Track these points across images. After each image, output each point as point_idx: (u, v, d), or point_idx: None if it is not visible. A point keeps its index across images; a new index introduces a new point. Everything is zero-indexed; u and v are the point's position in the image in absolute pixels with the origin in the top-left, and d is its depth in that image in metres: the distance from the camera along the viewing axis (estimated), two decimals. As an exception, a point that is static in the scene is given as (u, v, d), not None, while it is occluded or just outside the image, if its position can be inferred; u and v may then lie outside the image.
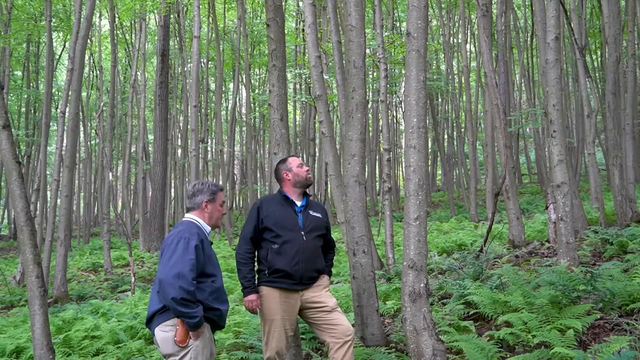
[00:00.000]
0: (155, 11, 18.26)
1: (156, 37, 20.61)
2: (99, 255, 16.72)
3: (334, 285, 7.75)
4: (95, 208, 30.50)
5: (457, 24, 26.49)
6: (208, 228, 3.23)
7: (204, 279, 3.01)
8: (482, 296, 4.90)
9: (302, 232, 3.58)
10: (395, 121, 30.28)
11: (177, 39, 23.68)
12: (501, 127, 8.75)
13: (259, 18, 26.07)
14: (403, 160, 5.25)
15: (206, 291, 3.01)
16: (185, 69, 22.45)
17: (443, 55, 26.36)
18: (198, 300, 2.92)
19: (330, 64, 14.17)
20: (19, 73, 26.51)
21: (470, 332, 4.61)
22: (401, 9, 23.81)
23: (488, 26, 9.34)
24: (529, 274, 6.09)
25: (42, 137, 12.82)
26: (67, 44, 24.66)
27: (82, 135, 27.11)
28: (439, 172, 34.89)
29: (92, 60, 25.97)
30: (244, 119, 25.02)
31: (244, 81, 24.72)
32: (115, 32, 19.74)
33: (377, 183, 27.40)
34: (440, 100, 28.66)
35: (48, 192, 17.93)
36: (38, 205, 15.73)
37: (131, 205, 25.11)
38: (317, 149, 21.18)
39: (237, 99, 25.36)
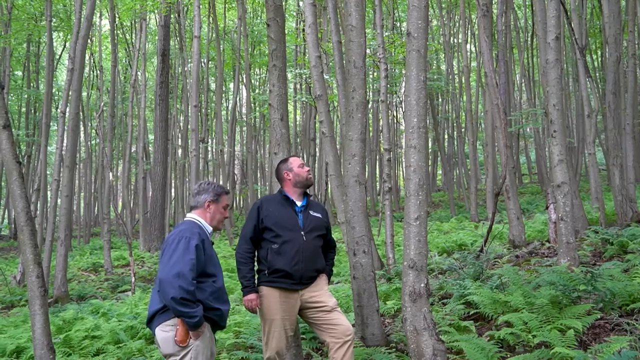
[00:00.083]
0: (156, 11, 18.28)
1: (156, 37, 20.62)
2: (99, 255, 16.73)
3: (334, 285, 7.75)
4: (96, 208, 30.52)
5: (457, 24, 26.48)
6: (209, 228, 3.22)
7: (204, 279, 3.01)
8: (482, 296, 4.90)
9: (302, 232, 3.58)
10: (395, 121, 30.26)
11: (178, 38, 23.68)
12: (501, 127, 8.75)
13: (259, 18, 26.07)
14: (403, 160, 5.26)
15: (207, 291, 3.00)
16: (186, 68, 22.44)
17: (443, 55, 26.35)
18: (198, 300, 2.91)
19: (330, 64, 14.17)
20: (20, 73, 26.52)
21: (470, 332, 4.61)
22: (401, 9, 23.81)
23: (488, 26, 9.34)
24: (529, 274, 6.09)
25: (42, 137, 12.82)
26: (67, 44, 24.67)
27: (82, 135, 27.14)
28: (439, 172, 34.88)
29: (92, 60, 25.97)
30: (245, 118, 25.03)
31: (244, 81, 24.71)
32: (115, 32, 19.76)
33: (377, 183, 27.38)
34: (440, 100, 28.65)
35: (48, 192, 17.93)
36: (38, 205, 15.73)
37: (131, 205, 25.13)
38: (317, 149, 21.18)
39: (238, 98, 25.36)
